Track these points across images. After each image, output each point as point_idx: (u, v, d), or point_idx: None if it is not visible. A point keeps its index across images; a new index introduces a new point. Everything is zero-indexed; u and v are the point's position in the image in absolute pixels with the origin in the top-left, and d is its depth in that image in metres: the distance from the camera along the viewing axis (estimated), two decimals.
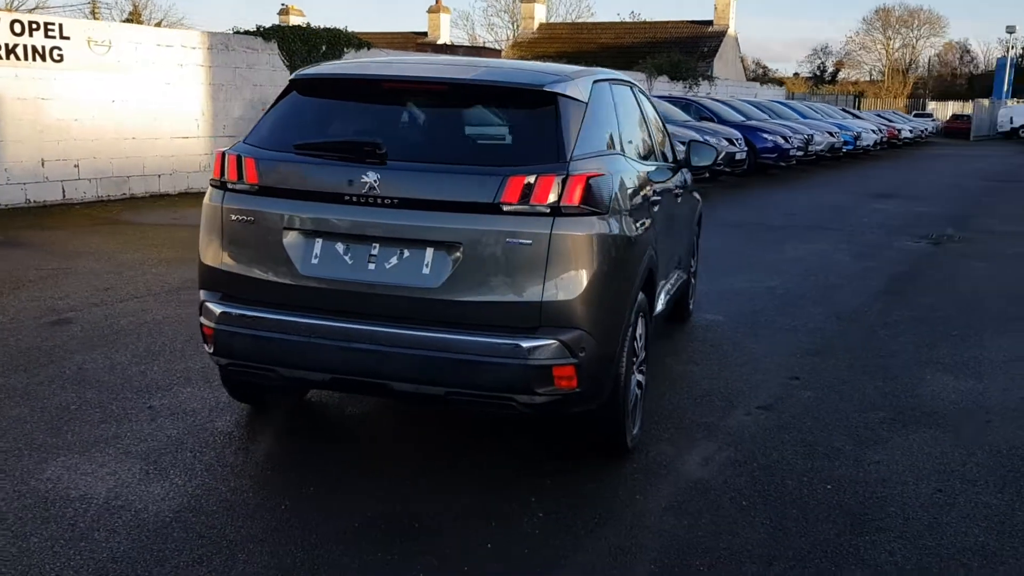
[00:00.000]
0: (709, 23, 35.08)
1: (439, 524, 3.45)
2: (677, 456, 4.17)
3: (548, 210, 3.44)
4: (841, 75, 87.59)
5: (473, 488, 3.76)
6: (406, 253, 3.54)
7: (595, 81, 4.17)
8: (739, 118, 20.19)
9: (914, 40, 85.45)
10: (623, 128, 4.43)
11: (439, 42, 36.55)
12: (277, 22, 15.64)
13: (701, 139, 16.42)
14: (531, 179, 3.43)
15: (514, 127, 3.75)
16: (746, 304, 7.30)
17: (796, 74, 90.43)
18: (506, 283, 3.46)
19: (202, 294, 3.87)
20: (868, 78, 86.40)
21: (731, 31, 34.96)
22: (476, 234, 3.46)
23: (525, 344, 3.43)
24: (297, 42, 14.05)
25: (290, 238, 3.64)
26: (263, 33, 13.73)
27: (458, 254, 3.47)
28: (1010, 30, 53.37)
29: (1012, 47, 56.96)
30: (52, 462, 3.87)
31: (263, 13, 48.95)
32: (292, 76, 4.05)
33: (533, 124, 3.69)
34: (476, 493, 3.72)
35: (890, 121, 35.75)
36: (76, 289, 7.04)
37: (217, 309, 3.74)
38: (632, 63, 27.21)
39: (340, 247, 3.60)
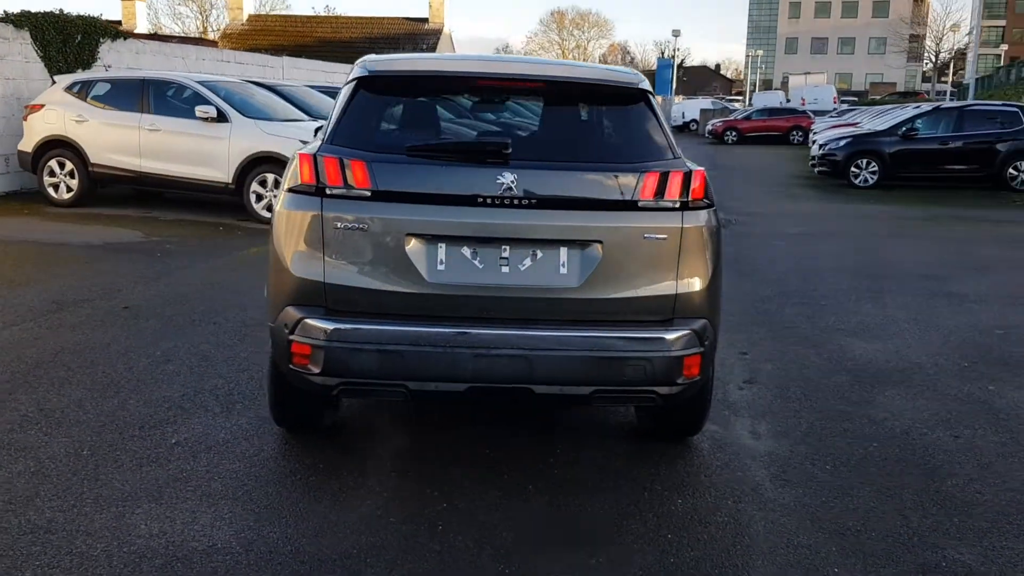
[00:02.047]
0: (425, 20, 35.66)
1: (608, 524, 3.46)
2: (726, 433, 4.45)
3: (678, 205, 3.56)
4: None
5: (599, 486, 3.79)
6: (539, 254, 3.49)
7: None
8: None
9: (586, 41, 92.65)
10: None
11: (137, 31, 33.87)
12: None
13: None
14: (663, 175, 3.53)
15: (618, 124, 3.79)
16: None
17: None
18: (644, 278, 3.54)
19: (292, 311, 3.52)
20: None
21: (446, 29, 35.79)
22: (617, 231, 3.50)
23: (668, 336, 3.53)
24: (51, 31, 12.50)
25: (413, 244, 3.45)
26: (14, 19, 12.07)
27: (597, 252, 3.49)
28: (676, 34, 59.22)
29: (676, 49, 63.27)
30: (131, 515, 3.36)
31: None
32: (362, 73, 3.79)
33: (636, 121, 3.76)
34: (606, 490, 3.75)
35: None
36: None
37: (327, 325, 3.43)
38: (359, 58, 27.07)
39: (467, 251, 3.47)
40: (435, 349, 3.42)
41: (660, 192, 3.52)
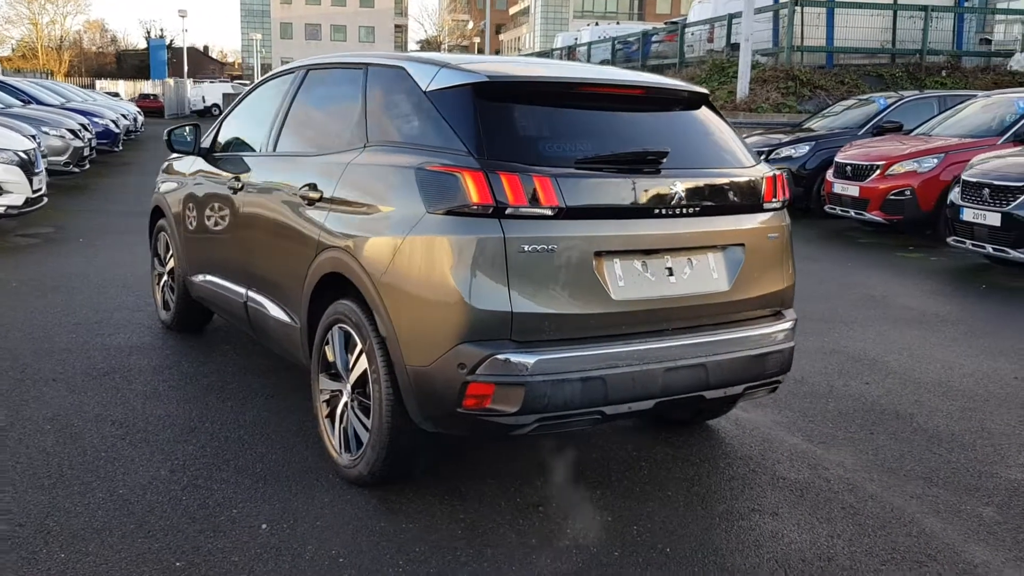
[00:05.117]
0: None
1: (767, 520, 3.63)
2: None
3: (781, 205, 3.83)
4: None
5: (700, 488, 3.91)
6: (694, 261, 3.53)
7: None
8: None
9: (61, 17, 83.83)
10: None
11: None
12: None
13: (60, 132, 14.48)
14: (773, 178, 3.78)
15: (711, 130, 3.85)
16: None
17: None
18: (769, 275, 3.77)
19: (471, 348, 3.12)
20: (20, 54, 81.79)
21: None
22: (754, 232, 3.69)
23: (787, 326, 3.82)
24: None
25: (599, 262, 3.26)
26: None
27: (740, 254, 3.63)
28: (182, 14, 56.60)
29: (184, 30, 60.39)
30: None
31: None
32: (478, 79, 3.40)
33: (721, 126, 3.89)
34: (715, 488, 3.89)
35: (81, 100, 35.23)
36: None
37: (527, 359, 3.11)
38: None
39: (638, 264, 3.39)
40: (632, 368, 3.29)
41: (775, 193, 3.76)
